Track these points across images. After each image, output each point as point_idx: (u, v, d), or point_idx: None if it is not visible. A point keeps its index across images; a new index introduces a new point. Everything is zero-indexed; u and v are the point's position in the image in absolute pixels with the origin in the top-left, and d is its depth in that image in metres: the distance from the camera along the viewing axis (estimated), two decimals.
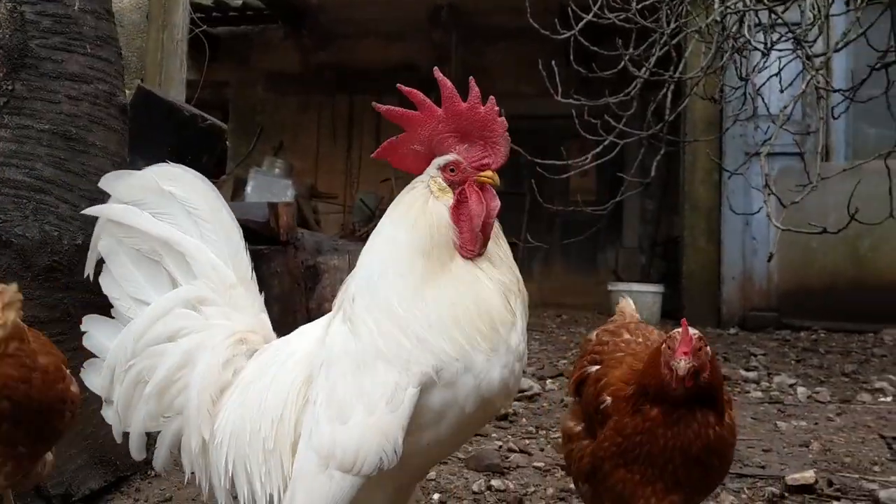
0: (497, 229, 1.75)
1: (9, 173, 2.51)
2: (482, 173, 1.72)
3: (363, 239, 11.51)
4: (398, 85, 1.79)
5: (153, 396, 1.84)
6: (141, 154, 3.27)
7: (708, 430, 1.85)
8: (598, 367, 2.14)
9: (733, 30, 5.16)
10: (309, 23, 12.19)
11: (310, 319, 4.57)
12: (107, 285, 1.94)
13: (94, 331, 1.96)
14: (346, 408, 1.58)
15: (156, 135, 3.39)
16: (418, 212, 1.70)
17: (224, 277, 1.90)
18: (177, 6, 7.33)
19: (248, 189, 11.02)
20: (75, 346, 2.60)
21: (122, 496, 2.78)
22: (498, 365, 1.62)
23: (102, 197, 2.69)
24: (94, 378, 1.92)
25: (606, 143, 5.85)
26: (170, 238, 1.88)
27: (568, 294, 11.22)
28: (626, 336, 2.24)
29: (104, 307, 2.72)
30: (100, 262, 1.96)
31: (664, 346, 1.86)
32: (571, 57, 5.50)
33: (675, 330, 1.87)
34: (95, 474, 2.68)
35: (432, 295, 1.62)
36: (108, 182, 1.96)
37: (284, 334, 3.54)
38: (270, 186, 11.07)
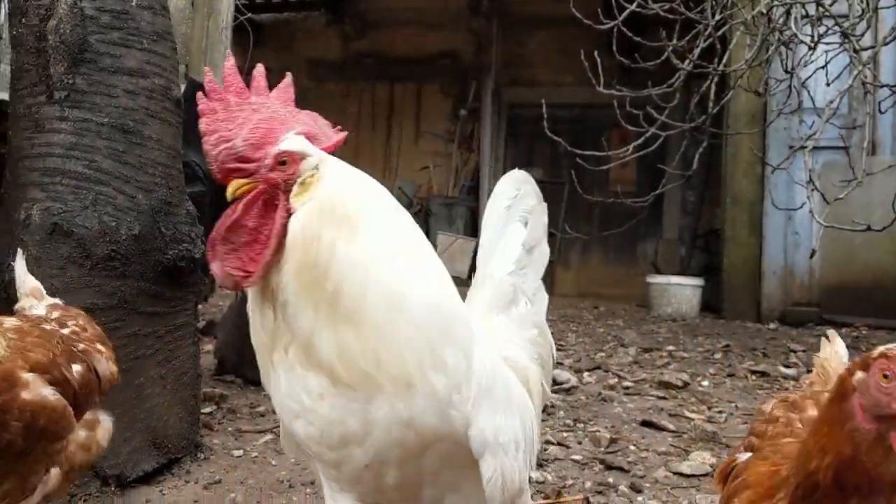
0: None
1: (69, 165, 2.61)
2: None
3: None
4: None
5: None
6: (192, 145, 3.35)
7: None
8: (749, 455, 1.44)
9: (779, 22, 5.11)
10: (350, 10, 12.24)
11: None
12: None
13: None
14: None
15: None
16: None
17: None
18: None
19: None
20: (131, 332, 2.70)
21: (174, 478, 2.88)
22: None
23: (157, 189, 2.79)
24: None
25: (648, 134, 5.85)
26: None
27: (606, 285, 11.19)
28: (810, 412, 1.45)
29: (157, 295, 2.82)
30: None
31: (871, 376, 1.07)
32: (614, 47, 5.51)
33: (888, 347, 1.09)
34: (148, 456, 2.78)
35: None
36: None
37: None
38: None
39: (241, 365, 4.37)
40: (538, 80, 11.78)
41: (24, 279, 2.19)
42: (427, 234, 10.34)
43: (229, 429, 3.53)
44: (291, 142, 1.42)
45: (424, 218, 11.71)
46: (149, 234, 2.71)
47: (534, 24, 11.71)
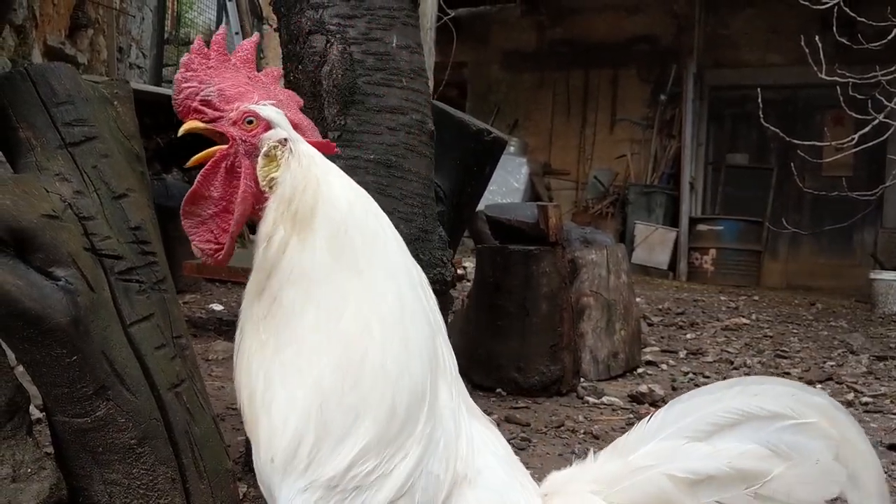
0: None
1: None
2: None
3: (597, 217, 11.28)
4: None
5: None
6: (435, 170, 3.52)
7: None
8: None
9: None
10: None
11: (572, 314, 4.68)
12: None
13: None
14: None
15: (447, 150, 3.61)
16: None
17: None
18: None
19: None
20: None
21: None
22: None
23: (416, 218, 2.97)
24: None
25: (875, 122, 5.50)
26: None
27: (818, 277, 10.57)
28: None
29: None
30: None
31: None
32: (834, 27, 5.27)
33: None
34: None
35: None
36: None
37: (552, 330, 3.71)
38: (506, 165, 11.30)
39: (468, 369, 4.55)
40: (743, 60, 11.29)
41: None
42: (624, 222, 10.20)
43: None
44: (266, 108, 1.28)
45: (621, 207, 11.54)
46: None
47: (739, 2, 11.21)
